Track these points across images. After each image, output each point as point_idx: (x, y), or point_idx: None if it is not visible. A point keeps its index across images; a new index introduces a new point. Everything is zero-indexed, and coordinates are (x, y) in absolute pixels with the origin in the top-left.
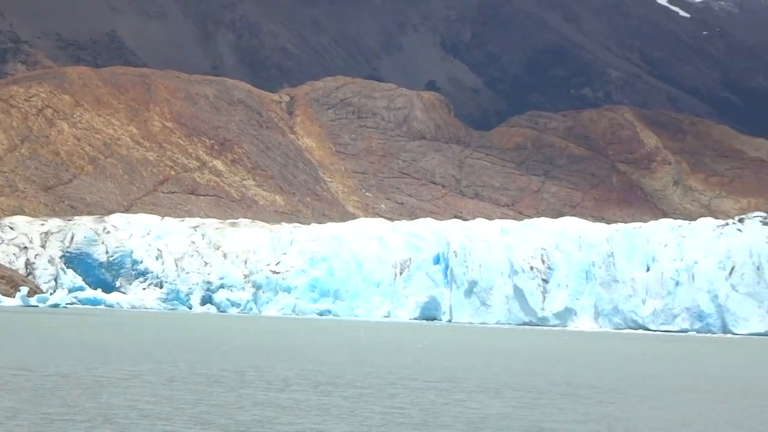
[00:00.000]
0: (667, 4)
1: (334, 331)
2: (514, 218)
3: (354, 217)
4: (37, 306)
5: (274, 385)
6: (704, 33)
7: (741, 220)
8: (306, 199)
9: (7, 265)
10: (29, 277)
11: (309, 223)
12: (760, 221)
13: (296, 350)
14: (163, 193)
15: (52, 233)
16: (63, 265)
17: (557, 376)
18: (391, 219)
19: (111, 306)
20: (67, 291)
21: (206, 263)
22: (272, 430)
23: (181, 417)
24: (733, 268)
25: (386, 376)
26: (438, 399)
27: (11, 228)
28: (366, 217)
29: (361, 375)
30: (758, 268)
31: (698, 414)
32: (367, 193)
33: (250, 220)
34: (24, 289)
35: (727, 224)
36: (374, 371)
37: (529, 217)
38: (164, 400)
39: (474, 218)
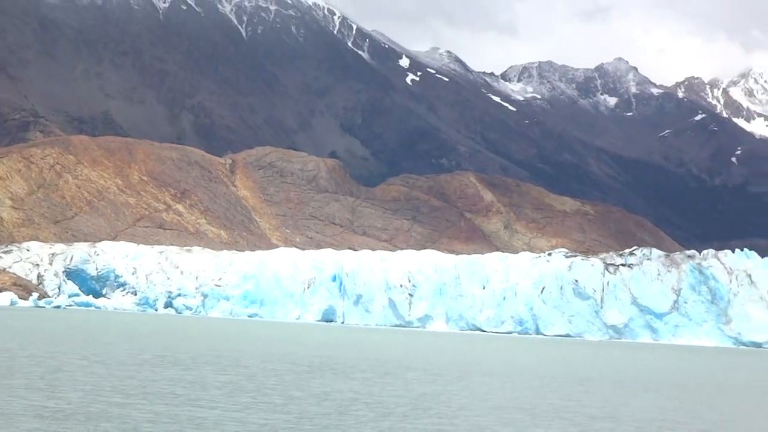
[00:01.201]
0: (500, 101)
1: (254, 328)
2: (391, 250)
3: (277, 247)
4: (44, 307)
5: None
6: (526, 122)
7: (549, 254)
8: (243, 234)
9: (24, 276)
10: (39, 286)
11: (244, 251)
12: (563, 255)
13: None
14: (140, 227)
15: (57, 254)
16: (64, 278)
17: (402, 360)
18: (302, 249)
19: (99, 308)
20: (67, 296)
21: (168, 278)
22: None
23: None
24: (543, 288)
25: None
26: (300, 378)
27: (28, 250)
28: (285, 247)
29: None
30: (561, 288)
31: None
32: (286, 230)
33: (201, 248)
34: (35, 295)
35: (539, 257)
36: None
37: (401, 249)
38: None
39: (362, 249)
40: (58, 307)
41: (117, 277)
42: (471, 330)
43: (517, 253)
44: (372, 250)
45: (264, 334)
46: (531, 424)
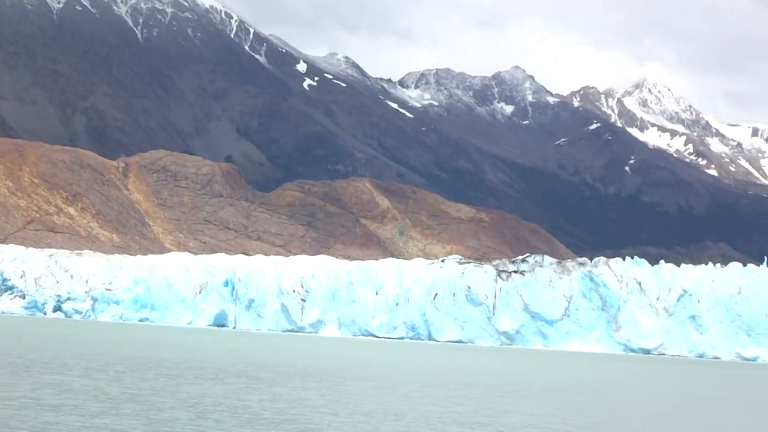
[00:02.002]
0: (397, 108)
1: (139, 332)
2: (285, 255)
3: (170, 251)
4: None
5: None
6: (423, 129)
7: (443, 261)
8: (135, 238)
9: None
10: None
11: (136, 255)
12: (457, 261)
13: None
14: (30, 230)
15: None
16: None
17: (286, 366)
18: (196, 254)
19: None
20: None
21: (58, 282)
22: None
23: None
24: (436, 294)
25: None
26: (168, 382)
27: None
28: (178, 251)
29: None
30: (454, 294)
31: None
32: (179, 235)
33: (92, 252)
34: None
35: (433, 263)
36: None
37: (296, 254)
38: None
39: (256, 255)
40: None
41: (5, 280)
42: (364, 335)
43: (413, 259)
44: (266, 255)
45: (148, 338)
46: (392, 429)
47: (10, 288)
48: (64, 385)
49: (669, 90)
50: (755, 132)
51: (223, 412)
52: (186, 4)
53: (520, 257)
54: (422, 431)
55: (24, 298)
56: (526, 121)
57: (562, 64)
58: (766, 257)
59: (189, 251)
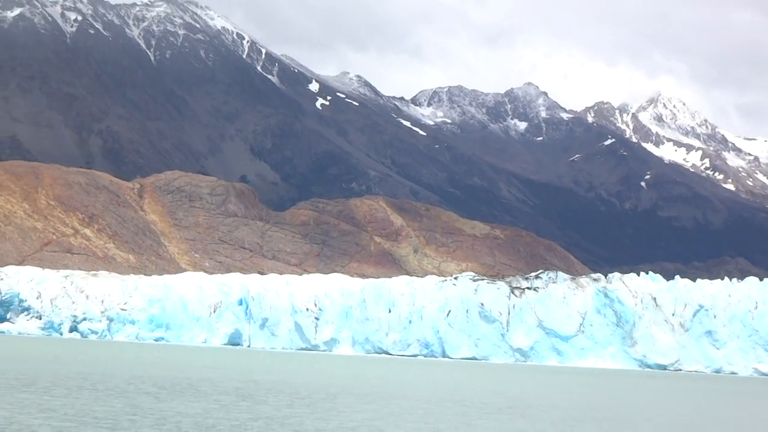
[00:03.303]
0: (410, 126)
1: (151, 351)
2: (300, 274)
3: (185, 271)
4: None
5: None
6: (436, 146)
7: (456, 278)
8: (151, 258)
9: None
10: None
11: (152, 275)
12: (470, 279)
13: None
14: (47, 252)
15: None
16: None
17: (276, 383)
18: (211, 273)
19: (2, 332)
20: None
21: (74, 302)
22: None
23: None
24: (449, 311)
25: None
26: (155, 399)
27: None
28: (194, 271)
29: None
30: (467, 311)
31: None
32: (195, 254)
33: (108, 272)
34: None
35: (446, 280)
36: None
37: (311, 273)
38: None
39: (271, 273)
40: None
41: (21, 301)
42: (377, 353)
43: (426, 277)
44: (281, 274)
45: (157, 358)
46: None
47: (27, 309)
48: (44, 404)
49: (684, 104)
50: None
51: (198, 430)
52: (198, 26)
53: (533, 274)
54: None
55: (40, 318)
56: (540, 138)
57: (571, 80)
58: None
59: (204, 271)
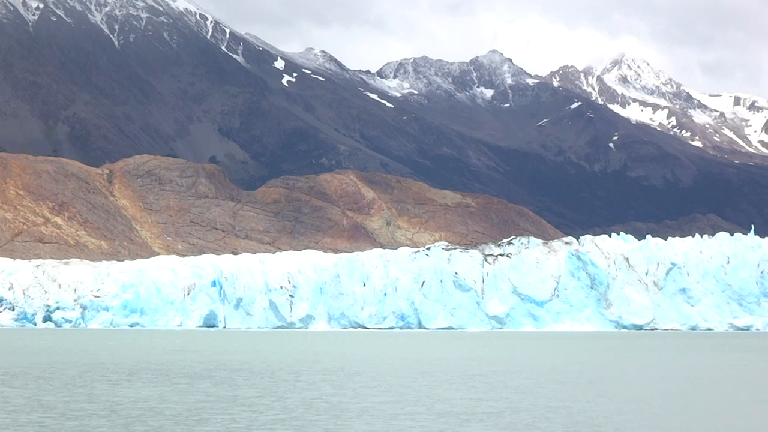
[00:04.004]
0: (377, 98)
1: (124, 337)
2: (273, 252)
3: (159, 255)
4: None
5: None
6: (404, 118)
7: (428, 248)
8: (124, 244)
9: None
10: None
11: (124, 261)
12: (443, 248)
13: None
14: (18, 242)
15: None
16: None
17: (234, 362)
18: (184, 255)
19: None
20: None
21: (46, 291)
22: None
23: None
24: (423, 282)
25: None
26: (110, 385)
27: None
28: (167, 255)
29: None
30: (441, 281)
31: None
32: (167, 238)
33: (80, 259)
34: None
35: (418, 251)
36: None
37: (284, 250)
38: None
39: (244, 253)
40: None
41: None
42: (353, 328)
43: (399, 248)
44: (255, 253)
45: (128, 344)
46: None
47: (0, 301)
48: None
49: (648, 64)
50: (737, 101)
51: (149, 414)
52: (160, 8)
53: (506, 240)
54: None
55: (13, 309)
56: (507, 104)
57: (534, 45)
58: (753, 226)
59: (178, 254)
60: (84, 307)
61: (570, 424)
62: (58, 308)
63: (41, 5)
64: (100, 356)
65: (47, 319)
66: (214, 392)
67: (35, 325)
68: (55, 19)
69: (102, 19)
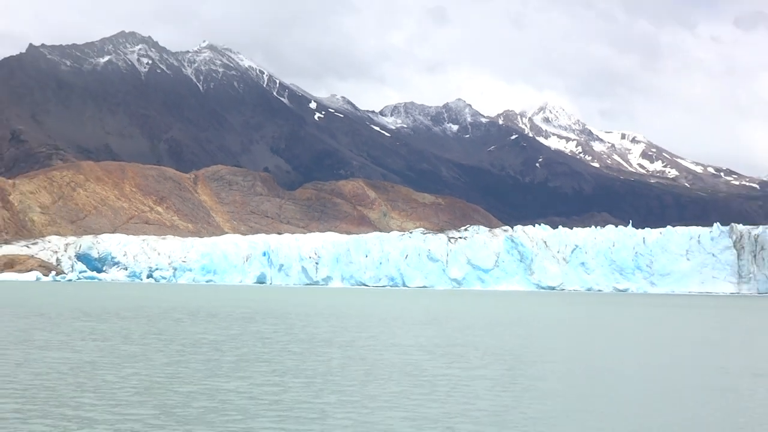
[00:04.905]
0: (379, 130)
1: (203, 289)
2: (305, 233)
3: (227, 234)
4: (59, 281)
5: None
6: (397, 143)
7: (411, 233)
8: (204, 226)
9: (47, 260)
10: (58, 266)
11: (203, 237)
12: (421, 233)
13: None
14: (131, 223)
15: (70, 244)
16: (75, 260)
17: (269, 308)
18: (245, 234)
19: (100, 280)
20: (77, 273)
21: (149, 257)
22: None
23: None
24: (407, 255)
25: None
26: (177, 323)
27: (49, 242)
28: (233, 234)
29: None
30: (419, 255)
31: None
32: (234, 222)
33: (173, 236)
34: (53, 273)
35: (404, 234)
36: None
37: (313, 233)
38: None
39: (285, 234)
40: (70, 280)
41: (113, 258)
42: (358, 285)
43: (391, 232)
44: (292, 233)
45: (201, 294)
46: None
47: (117, 263)
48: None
49: (563, 109)
50: (623, 136)
51: (201, 346)
52: (231, 65)
53: (463, 228)
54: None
55: (126, 269)
56: (468, 135)
57: (486, 95)
58: (631, 221)
59: (240, 233)
60: (175, 269)
61: (492, 348)
62: (157, 269)
63: (150, 61)
64: (177, 301)
65: (149, 276)
66: (243, 328)
67: (141, 280)
68: (159, 71)
69: (192, 72)
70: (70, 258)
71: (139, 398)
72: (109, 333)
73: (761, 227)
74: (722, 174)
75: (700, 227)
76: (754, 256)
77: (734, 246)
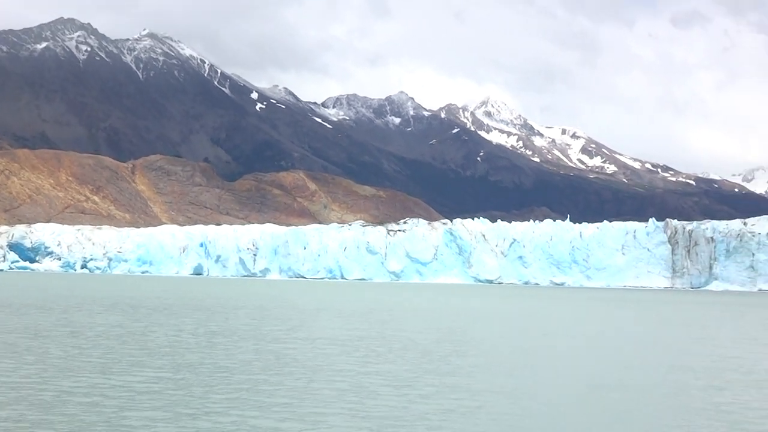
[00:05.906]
0: (321, 121)
1: (134, 280)
2: (244, 225)
3: (165, 224)
4: None
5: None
6: (339, 135)
7: (350, 224)
8: (142, 216)
9: None
10: None
11: (140, 227)
12: (360, 225)
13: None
14: (67, 213)
15: (1, 233)
16: (7, 249)
17: (193, 300)
18: (182, 225)
19: (33, 270)
20: (9, 263)
21: (83, 248)
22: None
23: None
24: (346, 248)
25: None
26: (95, 315)
27: None
28: (170, 224)
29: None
30: (358, 247)
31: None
32: (172, 213)
33: (109, 226)
34: None
35: (343, 226)
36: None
37: (252, 224)
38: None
39: (223, 225)
40: (2, 270)
41: (46, 248)
42: (297, 277)
43: (330, 224)
44: (231, 225)
45: (132, 286)
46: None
47: (50, 253)
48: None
49: (504, 104)
50: (563, 131)
51: (107, 339)
52: (172, 53)
53: (402, 220)
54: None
55: (60, 260)
56: (410, 128)
57: (428, 88)
58: (569, 215)
59: (178, 224)
60: (110, 259)
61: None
62: (91, 260)
63: (89, 49)
64: (105, 292)
65: (83, 266)
66: (159, 320)
67: (75, 271)
68: (98, 59)
69: (131, 60)
70: (2, 248)
71: (16, 394)
72: (17, 325)
73: (695, 223)
74: (659, 170)
75: (635, 222)
76: (688, 251)
77: (669, 241)
